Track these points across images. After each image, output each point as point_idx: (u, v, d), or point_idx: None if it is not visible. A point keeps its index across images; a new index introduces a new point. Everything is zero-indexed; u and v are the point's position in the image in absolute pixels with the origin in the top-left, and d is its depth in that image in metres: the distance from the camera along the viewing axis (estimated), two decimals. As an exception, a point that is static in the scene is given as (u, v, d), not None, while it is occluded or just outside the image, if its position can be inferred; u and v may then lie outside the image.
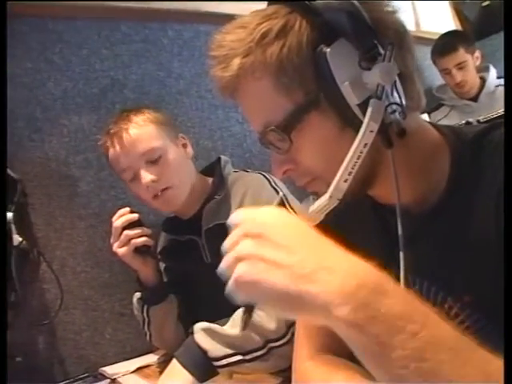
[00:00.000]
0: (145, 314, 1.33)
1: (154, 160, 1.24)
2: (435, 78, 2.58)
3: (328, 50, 0.60)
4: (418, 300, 0.46)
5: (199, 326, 1.10)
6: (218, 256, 1.48)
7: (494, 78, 2.45)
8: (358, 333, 0.44)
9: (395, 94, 0.61)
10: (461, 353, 0.44)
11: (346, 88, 0.60)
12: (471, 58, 2.40)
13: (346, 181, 0.62)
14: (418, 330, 0.43)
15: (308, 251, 0.48)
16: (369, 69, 0.60)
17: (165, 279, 1.38)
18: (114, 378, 1.35)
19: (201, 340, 1.08)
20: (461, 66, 2.38)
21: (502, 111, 1.65)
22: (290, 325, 1.04)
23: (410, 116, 0.66)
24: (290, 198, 1.26)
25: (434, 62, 2.46)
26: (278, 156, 0.68)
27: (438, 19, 2.81)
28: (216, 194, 1.31)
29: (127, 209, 1.25)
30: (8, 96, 1.43)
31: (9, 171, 1.33)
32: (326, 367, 0.77)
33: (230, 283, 0.50)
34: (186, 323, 1.32)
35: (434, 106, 2.54)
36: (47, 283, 1.44)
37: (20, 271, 1.27)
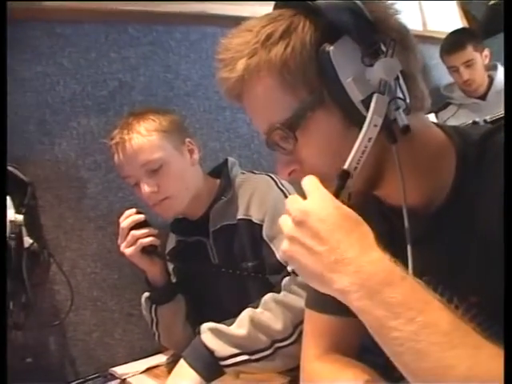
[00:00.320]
0: (153, 314, 1.34)
1: (154, 170, 1.24)
2: (442, 77, 2.57)
3: (331, 48, 0.61)
4: (423, 290, 0.53)
5: (206, 326, 1.11)
6: (225, 257, 1.49)
7: (501, 76, 2.44)
8: (363, 315, 0.54)
9: (398, 90, 0.62)
10: (453, 337, 0.49)
11: (349, 84, 0.61)
12: (480, 57, 2.39)
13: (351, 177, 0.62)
14: (414, 316, 0.50)
15: (335, 242, 0.55)
16: (371, 65, 0.61)
17: (173, 280, 1.39)
18: (124, 379, 1.36)
19: (208, 340, 1.09)
20: (468, 64, 2.37)
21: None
22: (297, 325, 1.05)
23: (415, 116, 0.66)
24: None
25: (443, 60, 2.45)
26: (284, 157, 0.69)
27: (445, 19, 2.80)
28: (223, 195, 1.32)
29: (134, 210, 1.27)
30: (18, 100, 1.46)
31: (19, 174, 1.35)
32: (333, 367, 0.77)
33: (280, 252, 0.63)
34: (194, 323, 1.33)
35: (441, 105, 2.53)
36: (57, 284, 1.45)
37: (31, 273, 1.29)
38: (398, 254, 0.71)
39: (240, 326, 1.09)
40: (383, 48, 0.61)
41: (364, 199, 0.70)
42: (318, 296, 0.70)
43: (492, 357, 0.47)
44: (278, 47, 0.63)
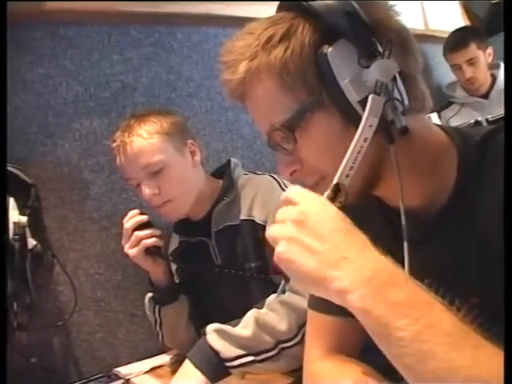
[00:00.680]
0: (156, 314, 1.34)
1: (155, 172, 1.25)
2: (445, 76, 2.56)
3: (329, 50, 0.62)
4: (424, 292, 0.52)
5: (211, 327, 1.12)
6: (228, 257, 1.49)
7: (504, 75, 2.44)
8: (364, 315, 0.52)
9: (396, 91, 0.62)
10: (456, 338, 0.49)
11: (346, 86, 0.61)
12: (483, 55, 2.39)
13: (347, 176, 0.63)
14: (419, 316, 0.49)
15: (336, 242, 0.55)
16: (368, 67, 0.61)
17: (176, 280, 1.40)
18: (128, 379, 1.37)
19: (213, 341, 1.10)
20: (471, 62, 2.37)
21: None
22: (301, 325, 1.05)
23: (415, 117, 0.67)
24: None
25: (446, 58, 2.44)
26: (285, 157, 0.70)
27: (447, 17, 2.80)
28: (226, 196, 1.32)
29: (137, 211, 1.27)
30: (21, 102, 1.46)
31: (23, 176, 1.35)
32: (336, 367, 0.78)
33: (274, 256, 0.57)
34: (197, 324, 1.33)
35: (443, 104, 2.53)
36: (61, 285, 1.46)
37: (34, 274, 1.30)
38: (400, 255, 0.72)
39: (245, 327, 1.09)
40: (380, 49, 0.62)
41: (364, 199, 0.70)
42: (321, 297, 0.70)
43: (492, 357, 0.47)
44: (277, 50, 0.64)
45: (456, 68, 2.43)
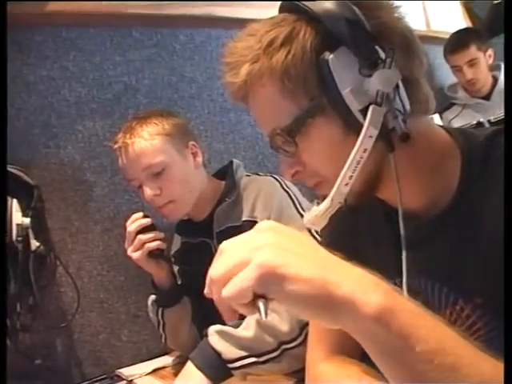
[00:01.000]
0: (159, 317, 1.34)
1: (157, 173, 1.25)
2: (447, 78, 2.56)
3: (330, 57, 0.61)
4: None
5: (213, 329, 1.12)
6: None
7: (506, 76, 2.43)
8: (380, 326, 0.43)
9: (398, 99, 0.62)
10: (473, 349, 0.45)
11: (347, 94, 0.61)
12: (483, 56, 2.39)
13: (346, 184, 0.63)
14: (437, 326, 0.45)
15: (324, 250, 0.48)
16: (369, 75, 0.61)
17: (178, 281, 1.40)
18: (131, 380, 1.37)
19: (215, 342, 1.10)
20: (472, 63, 2.37)
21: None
22: (303, 326, 1.05)
23: (419, 119, 0.67)
24: (302, 200, 1.27)
25: (446, 59, 2.44)
26: (287, 158, 0.70)
27: (449, 18, 2.80)
28: (228, 196, 1.32)
29: (140, 214, 1.27)
30: (23, 104, 1.47)
31: (25, 177, 1.35)
32: (338, 368, 0.78)
33: (248, 272, 0.44)
34: (200, 325, 1.33)
35: (445, 105, 2.53)
36: (64, 287, 1.47)
37: (37, 275, 1.30)
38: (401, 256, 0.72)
39: (246, 328, 1.09)
40: (382, 57, 0.61)
41: (367, 201, 0.71)
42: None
43: (493, 367, 0.45)
44: (279, 54, 0.64)
45: (456, 69, 2.42)
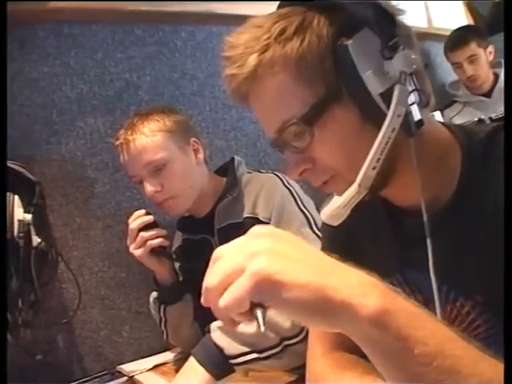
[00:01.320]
0: (161, 314, 1.34)
1: (158, 169, 1.25)
2: (448, 75, 2.56)
3: (349, 41, 0.61)
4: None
5: (216, 325, 1.12)
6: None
7: (507, 73, 2.43)
8: (379, 328, 0.43)
9: (413, 84, 0.62)
10: (472, 350, 0.44)
11: (368, 77, 0.60)
12: (484, 53, 2.38)
13: (374, 168, 0.62)
14: (435, 327, 0.44)
15: (320, 253, 0.48)
16: (390, 58, 0.61)
17: (180, 278, 1.40)
18: (132, 376, 1.37)
19: (217, 338, 1.10)
20: (472, 60, 2.36)
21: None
22: (305, 323, 1.05)
23: (422, 112, 0.67)
24: (303, 197, 1.27)
25: (447, 57, 2.44)
26: (294, 156, 0.68)
27: (451, 16, 2.79)
28: (229, 193, 1.32)
29: (142, 211, 1.27)
30: (25, 100, 1.47)
31: (27, 174, 1.36)
32: (338, 365, 0.78)
33: (243, 281, 0.43)
34: (202, 321, 1.33)
35: (446, 102, 2.52)
36: (65, 283, 1.47)
37: (39, 271, 1.30)
38: (401, 253, 0.72)
39: (248, 324, 1.09)
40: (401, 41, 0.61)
41: (373, 197, 0.70)
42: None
43: (493, 368, 0.45)
44: (293, 42, 0.63)
45: (457, 66, 2.42)
